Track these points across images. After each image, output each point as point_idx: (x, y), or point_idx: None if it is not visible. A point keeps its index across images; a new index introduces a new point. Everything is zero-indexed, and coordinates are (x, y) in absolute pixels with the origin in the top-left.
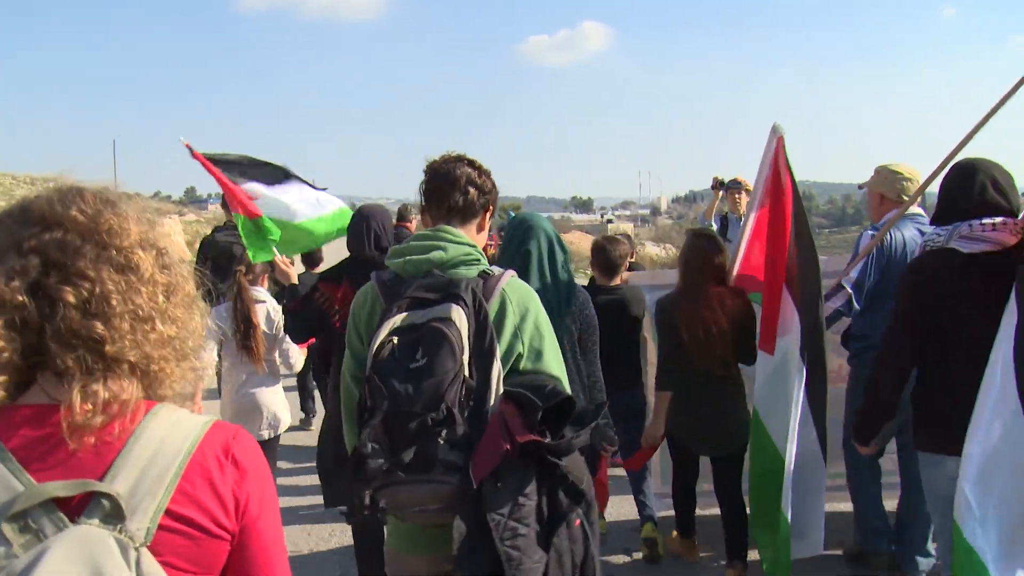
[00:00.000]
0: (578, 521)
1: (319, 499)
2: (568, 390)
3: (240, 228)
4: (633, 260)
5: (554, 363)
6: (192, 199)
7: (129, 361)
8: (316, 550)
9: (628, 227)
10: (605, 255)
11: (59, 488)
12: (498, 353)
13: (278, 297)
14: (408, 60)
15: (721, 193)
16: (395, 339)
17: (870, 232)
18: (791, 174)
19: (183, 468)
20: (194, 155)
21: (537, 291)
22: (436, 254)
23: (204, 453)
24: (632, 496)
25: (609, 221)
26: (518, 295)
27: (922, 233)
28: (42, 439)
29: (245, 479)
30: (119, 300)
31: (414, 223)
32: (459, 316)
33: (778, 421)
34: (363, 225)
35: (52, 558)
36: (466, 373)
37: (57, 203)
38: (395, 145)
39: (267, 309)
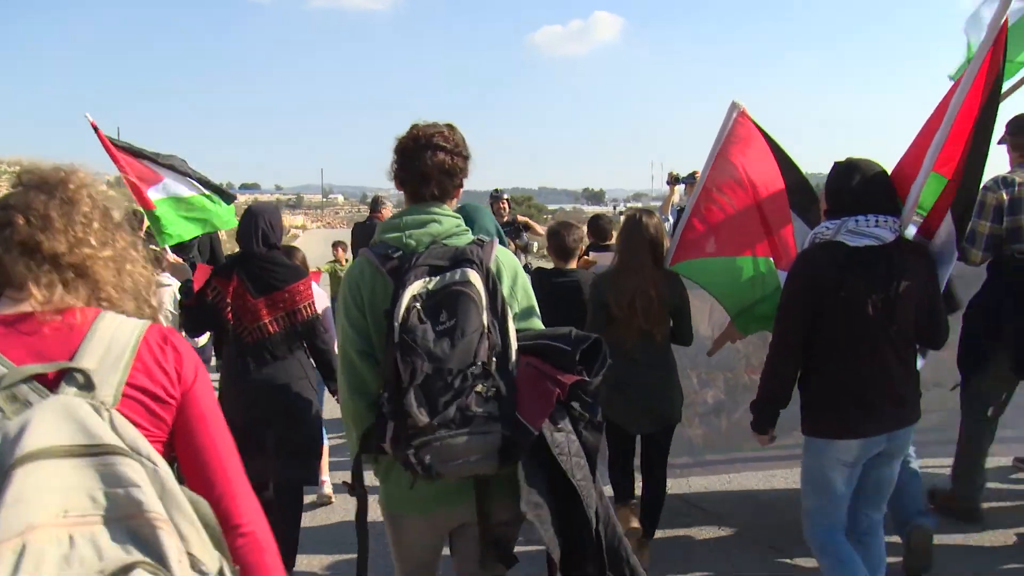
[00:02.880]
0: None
1: None
2: (588, 335)
3: (147, 216)
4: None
5: (538, 320)
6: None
7: (71, 264)
8: None
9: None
10: (559, 240)
11: (39, 367)
12: (509, 312)
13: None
14: (419, 50)
15: (681, 187)
16: (418, 305)
17: None
18: (769, 138)
19: (136, 350)
20: (98, 135)
21: None
22: (434, 227)
23: (148, 340)
24: None
25: (621, 213)
26: (507, 260)
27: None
28: (15, 335)
29: (181, 357)
30: (60, 222)
31: (385, 213)
32: (476, 279)
33: None
34: (252, 223)
35: (41, 418)
36: (486, 331)
37: (23, 172)
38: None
39: (172, 292)
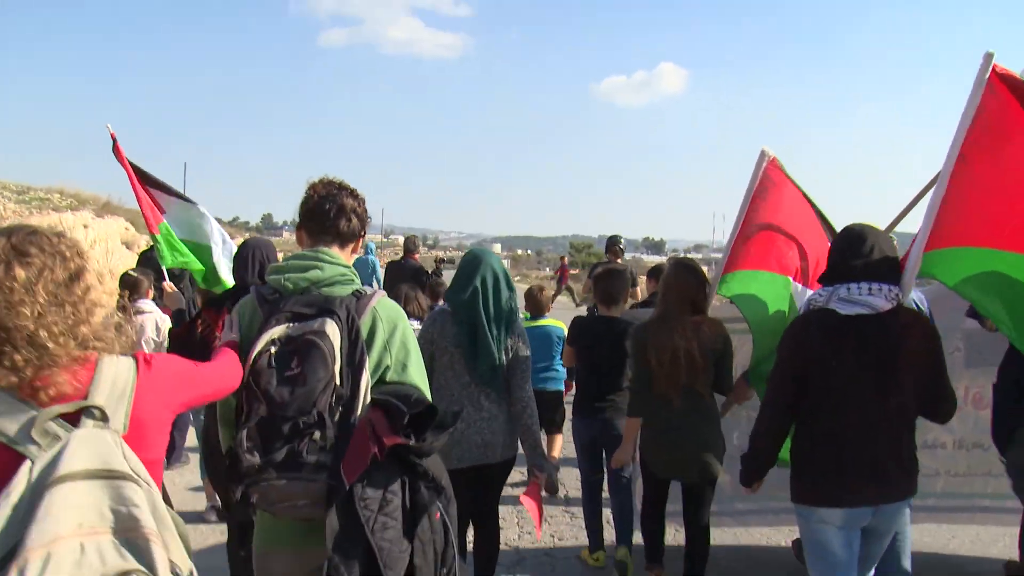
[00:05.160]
0: (439, 514)
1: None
2: (429, 399)
3: (155, 237)
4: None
5: (417, 375)
6: (268, 225)
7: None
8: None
9: (703, 271)
10: (604, 285)
11: (64, 407)
12: (368, 365)
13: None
14: (483, 97)
15: None
16: (272, 349)
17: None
18: (798, 186)
19: (135, 385)
20: (116, 150)
21: (479, 323)
22: (314, 273)
23: (140, 371)
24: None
25: None
26: (387, 313)
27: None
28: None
29: (162, 373)
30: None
31: (418, 256)
32: (333, 330)
33: None
34: (248, 255)
35: (73, 447)
36: (337, 382)
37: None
38: (468, 181)
39: (154, 319)
